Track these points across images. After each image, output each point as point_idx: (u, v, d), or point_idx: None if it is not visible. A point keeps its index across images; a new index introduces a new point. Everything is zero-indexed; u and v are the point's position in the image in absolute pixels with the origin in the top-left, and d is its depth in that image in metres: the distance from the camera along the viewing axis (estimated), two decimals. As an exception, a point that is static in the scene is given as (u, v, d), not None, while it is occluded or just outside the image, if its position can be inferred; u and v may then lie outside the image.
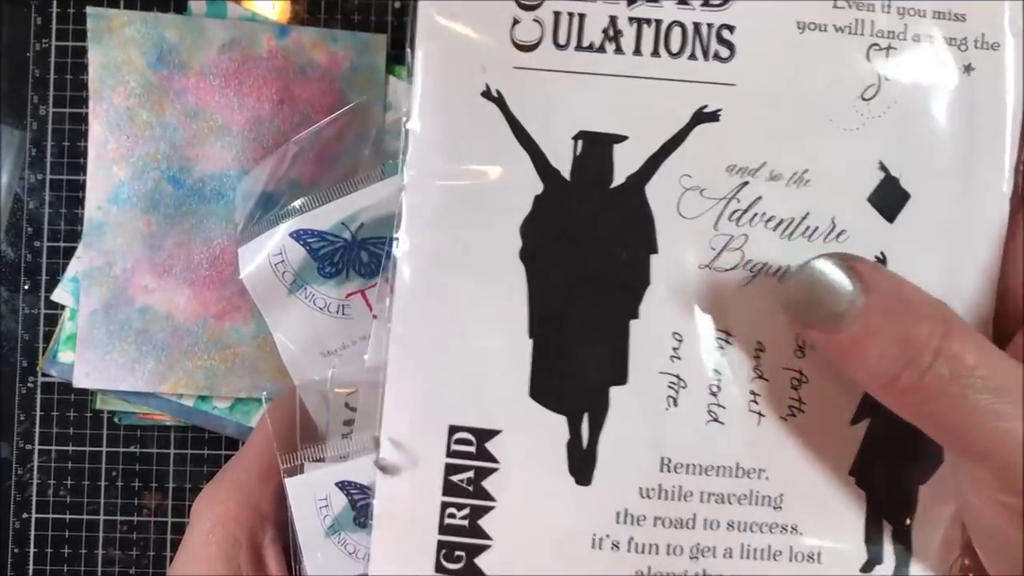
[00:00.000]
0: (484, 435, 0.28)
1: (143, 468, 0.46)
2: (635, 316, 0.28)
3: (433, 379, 0.29)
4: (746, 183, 0.28)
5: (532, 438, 0.28)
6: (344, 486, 0.33)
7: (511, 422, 0.28)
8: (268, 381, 0.44)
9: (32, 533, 0.46)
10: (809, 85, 0.28)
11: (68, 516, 0.46)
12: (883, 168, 0.28)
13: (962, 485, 0.26)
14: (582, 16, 0.28)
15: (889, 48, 0.28)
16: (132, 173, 0.44)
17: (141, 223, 0.44)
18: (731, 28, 0.28)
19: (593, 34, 0.28)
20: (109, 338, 0.44)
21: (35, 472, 0.46)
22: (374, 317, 0.35)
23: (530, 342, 0.28)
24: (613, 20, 0.28)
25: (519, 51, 0.28)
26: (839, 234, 0.28)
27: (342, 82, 0.44)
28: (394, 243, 0.29)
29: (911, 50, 0.28)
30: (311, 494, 0.33)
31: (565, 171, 0.28)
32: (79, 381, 0.44)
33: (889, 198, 0.28)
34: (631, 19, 0.28)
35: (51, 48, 0.46)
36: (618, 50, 0.28)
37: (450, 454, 0.28)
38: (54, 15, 0.46)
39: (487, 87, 0.28)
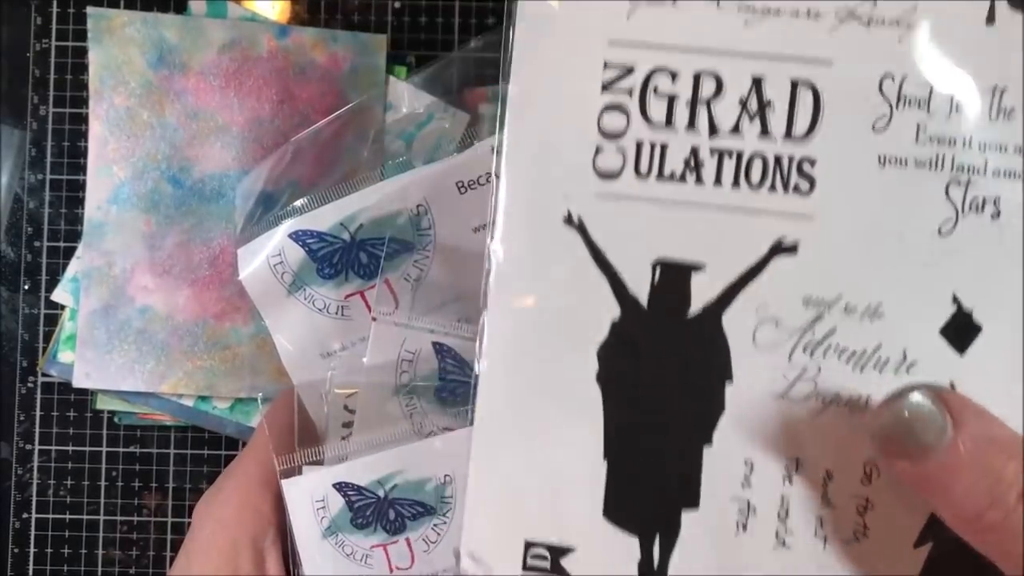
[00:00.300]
0: (558, 552, 0.29)
1: (143, 468, 0.47)
2: (709, 442, 0.29)
3: (511, 495, 0.29)
4: (820, 317, 0.28)
5: (605, 557, 0.29)
6: (341, 488, 0.34)
7: (584, 540, 0.29)
8: (268, 382, 0.44)
9: (32, 533, 0.47)
10: (887, 220, 0.28)
11: (68, 516, 0.47)
12: (956, 301, 0.28)
13: None
14: (664, 146, 0.29)
15: (968, 183, 0.28)
16: (132, 173, 0.44)
17: (141, 223, 0.44)
18: (812, 162, 0.29)
19: (675, 163, 0.29)
20: (109, 338, 0.44)
21: (35, 472, 0.46)
22: (373, 319, 0.35)
23: (605, 463, 0.29)
24: (695, 151, 0.29)
25: (601, 179, 0.29)
26: (910, 365, 0.28)
27: (342, 82, 0.44)
28: (476, 364, 0.29)
29: (990, 185, 0.28)
30: (308, 496, 0.33)
31: (643, 298, 0.29)
32: (79, 381, 0.44)
33: (961, 331, 0.29)
34: (712, 150, 0.29)
35: (51, 48, 0.46)
36: (699, 180, 0.29)
37: (526, 567, 0.29)
38: (54, 15, 0.46)
39: (568, 214, 0.29)
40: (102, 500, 0.47)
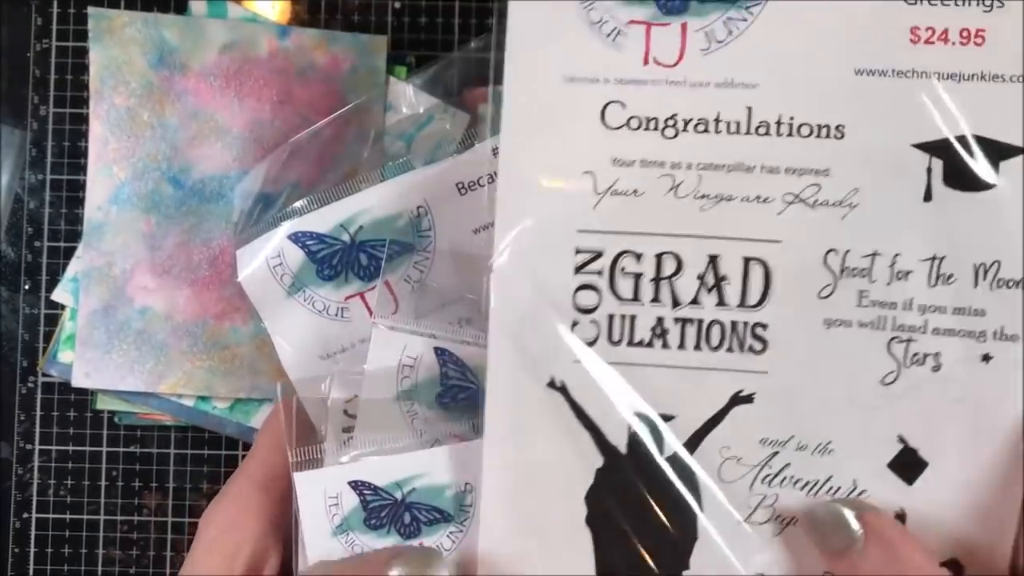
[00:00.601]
0: None
1: (143, 468, 0.47)
2: (686, 568, 0.32)
3: None
4: (776, 453, 0.32)
5: None
6: (358, 486, 0.33)
7: None
8: (267, 382, 0.44)
9: (32, 533, 0.47)
10: (833, 373, 0.32)
11: (68, 516, 0.47)
12: (902, 441, 0.31)
13: None
14: (633, 317, 0.32)
15: (909, 341, 0.31)
16: (132, 173, 0.44)
17: (141, 223, 0.44)
18: (764, 326, 0.32)
19: (643, 332, 0.32)
20: (108, 338, 0.44)
21: (35, 472, 0.47)
22: (373, 322, 0.35)
23: None
24: (660, 320, 0.32)
25: (579, 348, 0.32)
26: (860, 493, 0.32)
27: (343, 83, 0.44)
28: (472, 511, 0.33)
29: (931, 342, 0.31)
30: (321, 491, 0.33)
31: (622, 446, 0.32)
32: (78, 381, 0.44)
33: (908, 466, 0.31)
34: (676, 319, 0.32)
35: (51, 48, 0.46)
36: (665, 345, 0.32)
37: None
38: (54, 15, 0.46)
39: (552, 379, 0.32)
40: (102, 500, 0.47)
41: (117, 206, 0.44)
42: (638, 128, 0.31)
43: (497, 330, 0.32)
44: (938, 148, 0.31)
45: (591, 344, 0.32)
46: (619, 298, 0.32)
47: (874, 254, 0.31)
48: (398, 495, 0.33)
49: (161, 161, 0.44)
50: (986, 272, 0.31)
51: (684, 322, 0.32)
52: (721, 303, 0.32)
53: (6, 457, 0.47)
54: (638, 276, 0.32)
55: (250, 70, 0.44)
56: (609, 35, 0.31)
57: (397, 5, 0.46)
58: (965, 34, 0.30)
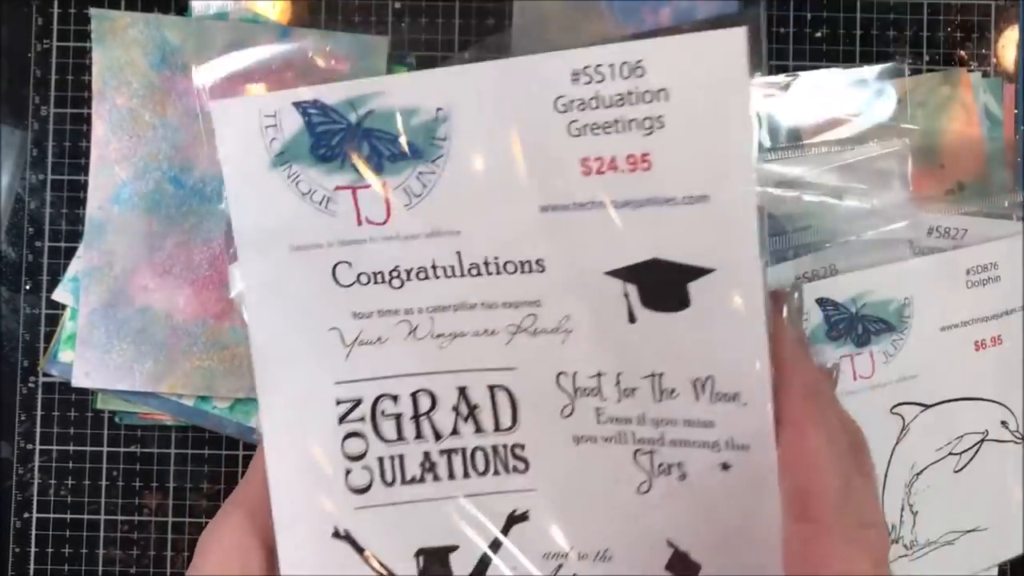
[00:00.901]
0: None
1: (144, 468, 0.47)
2: None
3: None
4: (561, 565, 0.33)
5: None
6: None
7: None
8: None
9: (33, 533, 0.47)
10: (593, 485, 0.33)
11: (69, 516, 0.47)
12: (671, 545, 0.33)
13: None
14: (401, 456, 0.34)
15: (652, 452, 0.33)
16: (134, 173, 0.44)
17: (142, 223, 0.44)
18: (522, 446, 0.33)
19: (413, 469, 0.34)
20: (108, 338, 0.44)
21: (36, 472, 0.47)
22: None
23: None
24: (427, 455, 0.34)
25: (356, 495, 0.33)
26: None
27: (343, 83, 0.44)
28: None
29: (671, 453, 0.33)
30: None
31: None
32: (78, 380, 0.44)
33: (683, 567, 0.33)
34: (441, 451, 0.34)
35: (52, 49, 0.46)
36: (436, 478, 0.34)
37: None
38: (55, 16, 0.46)
39: (336, 529, 0.33)
40: (103, 500, 0.47)
41: (118, 206, 0.44)
42: (368, 283, 0.33)
43: (278, 491, 0.33)
44: (627, 274, 0.32)
45: (367, 489, 0.33)
46: (385, 440, 0.34)
47: (599, 374, 0.33)
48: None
49: (162, 161, 0.44)
50: (703, 386, 0.32)
51: (449, 453, 0.34)
52: (479, 430, 0.34)
53: (7, 457, 0.47)
54: (398, 417, 0.34)
55: (251, 71, 0.44)
56: (320, 203, 0.32)
57: (397, 5, 0.47)
58: (632, 160, 0.31)
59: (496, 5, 0.47)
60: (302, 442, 0.34)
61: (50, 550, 0.47)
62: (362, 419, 0.34)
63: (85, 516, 0.47)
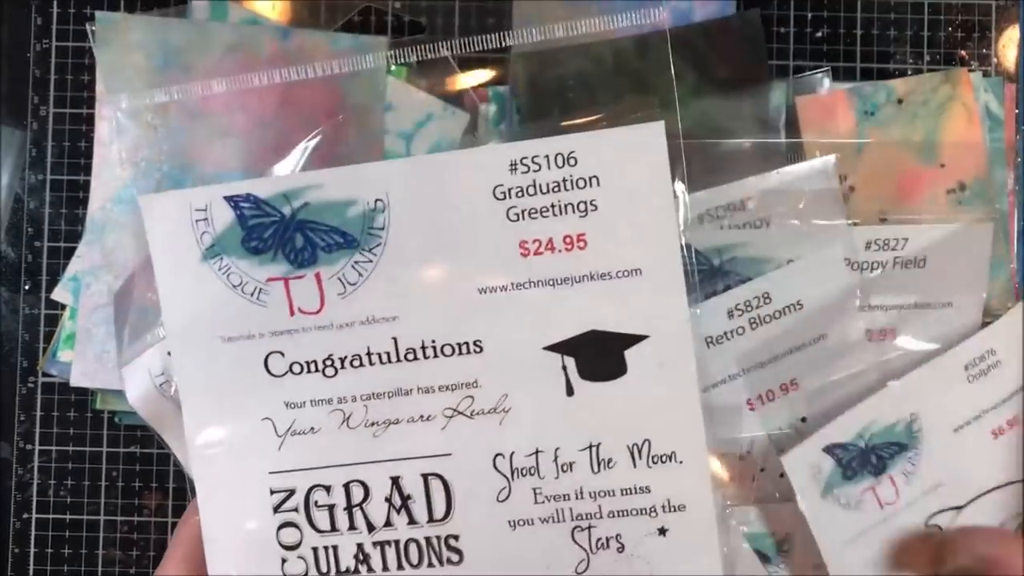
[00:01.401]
0: None
1: (143, 468, 0.47)
2: None
3: None
4: None
5: None
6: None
7: None
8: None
9: (32, 533, 0.47)
10: (531, 571, 0.34)
11: (68, 516, 0.47)
12: None
13: None
14: (335, 547, 0.34)
15: (590, 528, 0.34)
16: (135, 174, 0.44)
17: (143, 223, 0.44)
18: (456, 537, 0.34)
19: (347, 560, 0.34)
20: (108, 337, 0.44)
21: (35, 472, 0.47)
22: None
23: None
24: (360, 546, 0.34)
25: None
26: None
27: (343, 84, 0.44)
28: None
29: (609, 525, 0.34)
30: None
31: None
32: (76, 380, 0.44)
33: None
34: (374, 543, 0.34)
35: (52, 49, 0.46)
36: (370, 569, 0.34)
37: None
38: (55, 15, 0.46)
39: None
40: (102, 500, 0.47)
41: (120, 206, 0.44)
42: (301, 372, 0.33)
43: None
44: (565, 348, 0.33)
45: None
46: (318, 531, 0.34)
47: (536, 451, 0.34)
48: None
49: (164, 162, 0.44)
50: (640, 451, 0.33)
51: (383, 545, 0.34)
52: (412, 522, 0.34)
53: (6, 457, 0.47)
54: (332, 507, 0.34)
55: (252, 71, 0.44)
56: (252, 294, 0.32)
57: (397, 5, 0.47)
58: (568, 240, 0.33)
59: (496, 5, 0.47)
60: (238, 530, 0.34)
61: (50, 551, 0.47)
62: (296, 509, 0.34)
63: (85, 517, 0.47)
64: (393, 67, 0.45)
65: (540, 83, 0.43)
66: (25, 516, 0.47)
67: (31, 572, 0.47)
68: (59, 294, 0.45)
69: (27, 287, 0.46)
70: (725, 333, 0.39)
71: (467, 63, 0.47)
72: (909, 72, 0.45)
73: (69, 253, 0.46)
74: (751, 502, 0.40)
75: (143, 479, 0.47)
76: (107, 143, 0.44)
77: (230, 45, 0.44)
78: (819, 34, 0.46)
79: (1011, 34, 0.46)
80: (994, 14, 0.46)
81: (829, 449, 0.38)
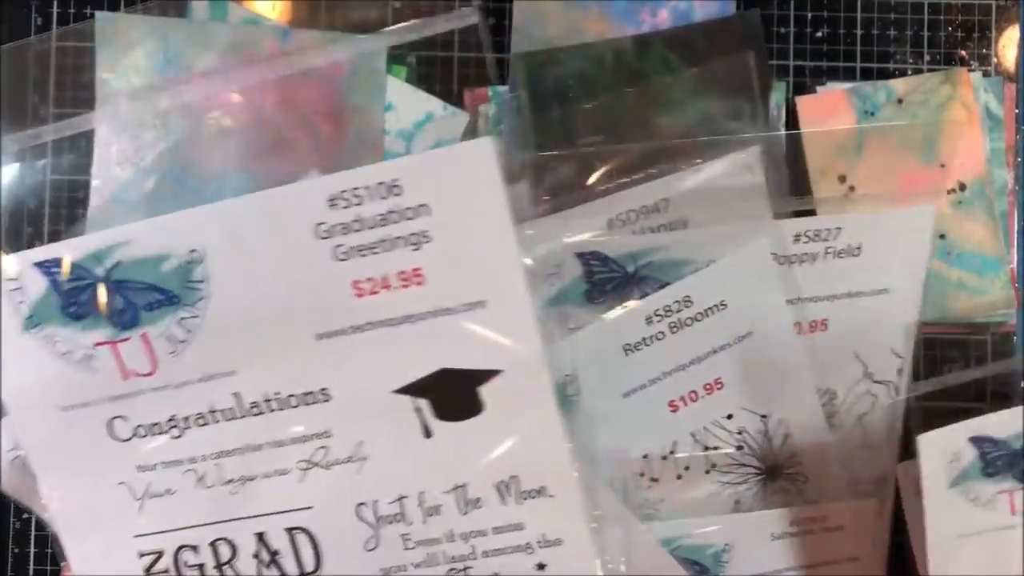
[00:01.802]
0: None
1: (143, 468, 0.47)
2: None
3: None
4: None
5: None
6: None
7: None
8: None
9: (32, 533, 0.46)
10: None
11: (69, 516, 0.47)
12: None
13: None
14: None
15: (466, 569, 0.33)
16: (135, 173, 0.44)
17: (142, 224, 0.44)
18: None
19: None
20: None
21: (36, 472, 0.46)
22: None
23: None
24: None
25: None
26: None
27: (343, 84, 0.44)
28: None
29: (485, 564, 0.33)
30: None
31: None
32: (78, 381, 0.44)
33: None
34: None
35: (51, 49, 0.46)
36: None
37: None
38: (54, 15, 0.46)
39: None
40: (102, 500, 0.47)
41: (120, 206, 0.44)
42: (146, 435, 0.32)
43: None
44: (417, 389, 0.32)
45: None
46: None
47: (400, 498, 0.32)
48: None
49: (163, 162, 0.44)
50: (508, 488, 0.32)
51: None
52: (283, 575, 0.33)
53: (6, 457, 0.47)
54: (201, 567, 0.33)
55: (252, 72, 0.44)
56: (80, 361, 0.31)
57: (397, 5, 0.47)
58: (404, 276, 0.31)
59: (496, 5, 0.47)
60: None
61: (49, 551, 0.46)
62: (166, 571, 0.33)
63: (85, 516, 0.47)
64: (393, 67, 0.45)
65: (540, 83, 0.43)
66: (25, 516, 0.47)
67: (31, 572, 0.47)
68: (59, 294, 0.45)
69: (27, 287, 0.46)
70: (644, 339, 0.37)
71: (467, 63, 0.47)
72: (909, 72, 0.45)
73: (69, 253, 0.46)
74: (680, 505, 0.39)
75: (143, 479, 0.47)
76: (106, 143, 0.44)
77: (230, 45, 0.44)
78: (819, 34, 0.46)
79: (1011, 34, 0.46)
80: (994, 14, 0.46)
81: (978, 440, 0.36)
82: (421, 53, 0.47)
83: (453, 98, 0.46)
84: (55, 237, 0.46)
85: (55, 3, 0.46)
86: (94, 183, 0.44)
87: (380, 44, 0.44)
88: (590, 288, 0.34)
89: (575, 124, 0.43)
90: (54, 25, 0.46)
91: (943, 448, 0.35)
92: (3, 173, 0.46)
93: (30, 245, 0.46)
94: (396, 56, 0.45)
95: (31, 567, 0.47)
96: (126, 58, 0.44)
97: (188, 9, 0.44)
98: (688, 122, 0.43)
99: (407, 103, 0.45)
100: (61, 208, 0.46)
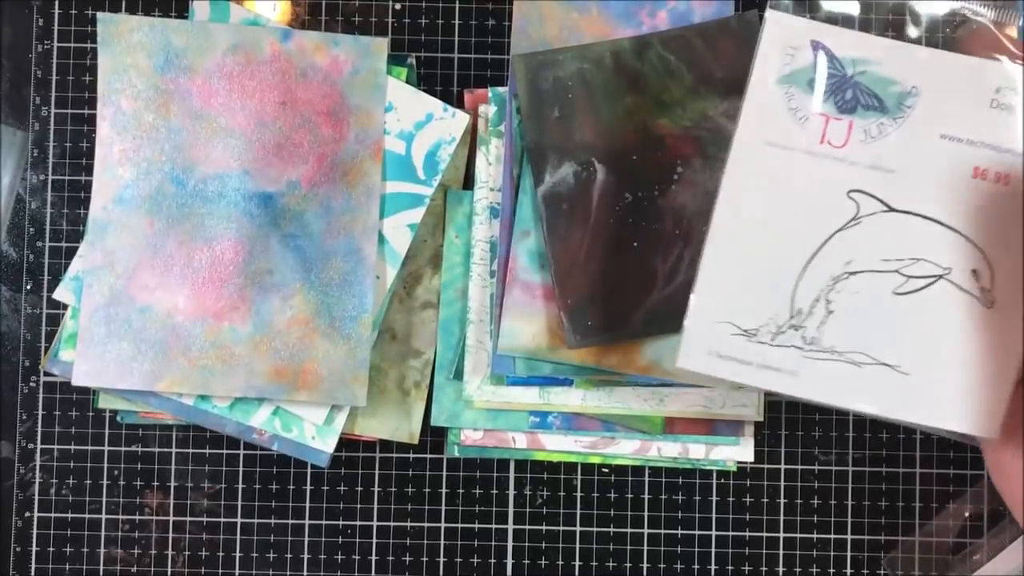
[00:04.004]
0: None
1: (145, 467, 0.47)
2: None
3: None
4: None
5: None
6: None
7: None
8: (264, 382, 0.44)
9: (34, 532, 0.47)
10: None
11: (70, 515, 0.47)
12: None
13: None
14: None
15: None
16: (137, 174, 0.44)
17: (144, 223, 0.44)
18: None
19: None
20: (108, 336, 0.44)
21: (37, 471, 0.47)
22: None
23: None
24: None
25: None
26: None
27: (343, 84, 0.44)
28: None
29: None
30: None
31: None
32: (78, 379, 0.44)
33: None
34: None
35: (53, 49, 0.46)
36: None
37: None
38: (56, 16, 0.47)
39: None
40: (104, 499, 0.47)
41: (121, 206, 0.44)
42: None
43: None
44: None
45: None
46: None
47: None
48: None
49: (165, 162, 0.44)
50: None
51: None
52: None
53: (8, 456, 0.47)
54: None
55: (253, 72, 0.44)
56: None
57: (397, 6, 0.47)
58: None
59: (496, 5, 0.47)
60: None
61: (51, 549, 0.47)
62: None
63: (86, 515, 0.47)
64: (393, 67, 0.45)
65: (540, 83, 0.43)
66: (27, 515, 0.47)
67: (33, 570, 0.47)
68: (61, 294, 0.45)
69: (29, 287, 0.47)
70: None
71: (467, 63, 0.47)
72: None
73: (70, 253, 0.46)
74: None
75: (144, 478, 0.47)
76: (108, 143, 0.44)
77: (231, 45, 0.44)
78: (818, 34, 0.46)
79: (1010, 34, 0.46)
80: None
81: (817, 46, 0.39)
82: (421, 54, 0.47)
83: (453, 98, 0.47)
84: (57, 237, 0.46)
85: (57, 4, 0.47)
86: (95, 183, 0.44)
87: (380, 45, 0.44)
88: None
89: (574, 124, 0.43)
90: (55, 26, 0.47)
91: (785, 38, 0.39)
92: (5, 173, 0.47)
93: (32, 245, 0.47)
94: (396, 57, 0.46)
95: (33, 565, 0.47)
96: (127, 58, 0.44)
97: (190, 10, 0.45)
98: (688, 123, 0.43)
99: (407, 103, 0.45)
100: (63, 208, 0.46)
